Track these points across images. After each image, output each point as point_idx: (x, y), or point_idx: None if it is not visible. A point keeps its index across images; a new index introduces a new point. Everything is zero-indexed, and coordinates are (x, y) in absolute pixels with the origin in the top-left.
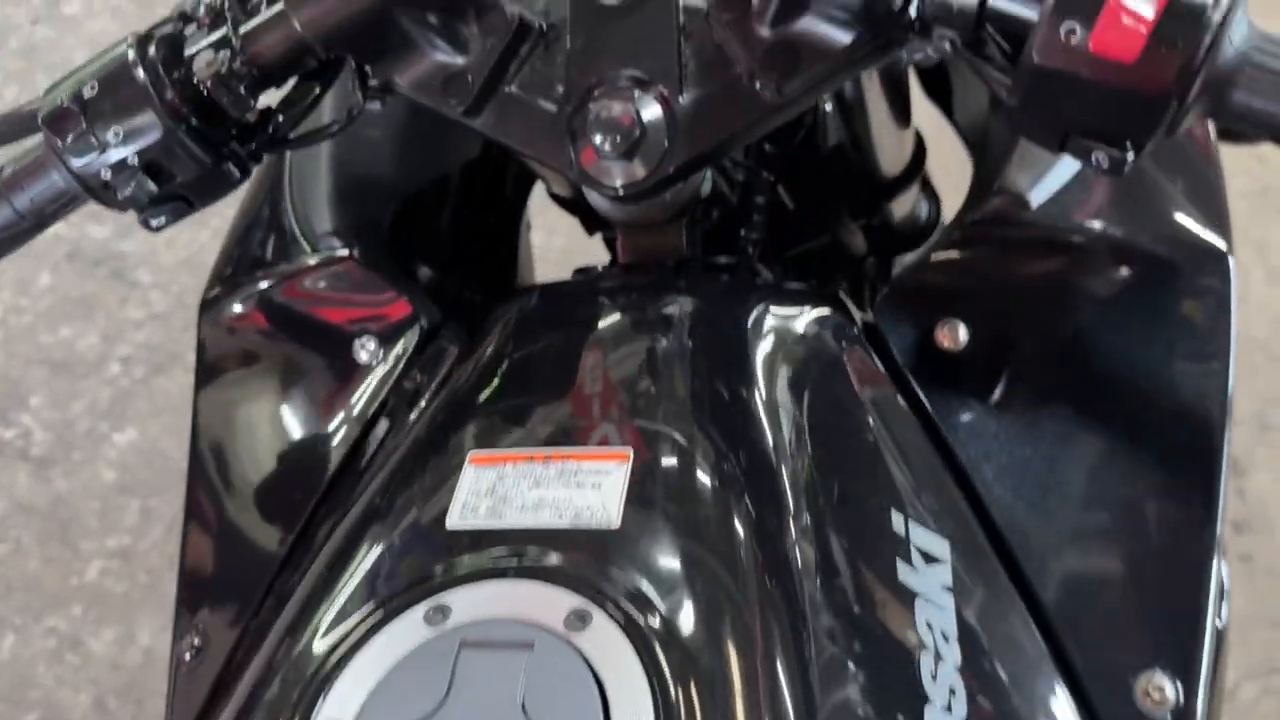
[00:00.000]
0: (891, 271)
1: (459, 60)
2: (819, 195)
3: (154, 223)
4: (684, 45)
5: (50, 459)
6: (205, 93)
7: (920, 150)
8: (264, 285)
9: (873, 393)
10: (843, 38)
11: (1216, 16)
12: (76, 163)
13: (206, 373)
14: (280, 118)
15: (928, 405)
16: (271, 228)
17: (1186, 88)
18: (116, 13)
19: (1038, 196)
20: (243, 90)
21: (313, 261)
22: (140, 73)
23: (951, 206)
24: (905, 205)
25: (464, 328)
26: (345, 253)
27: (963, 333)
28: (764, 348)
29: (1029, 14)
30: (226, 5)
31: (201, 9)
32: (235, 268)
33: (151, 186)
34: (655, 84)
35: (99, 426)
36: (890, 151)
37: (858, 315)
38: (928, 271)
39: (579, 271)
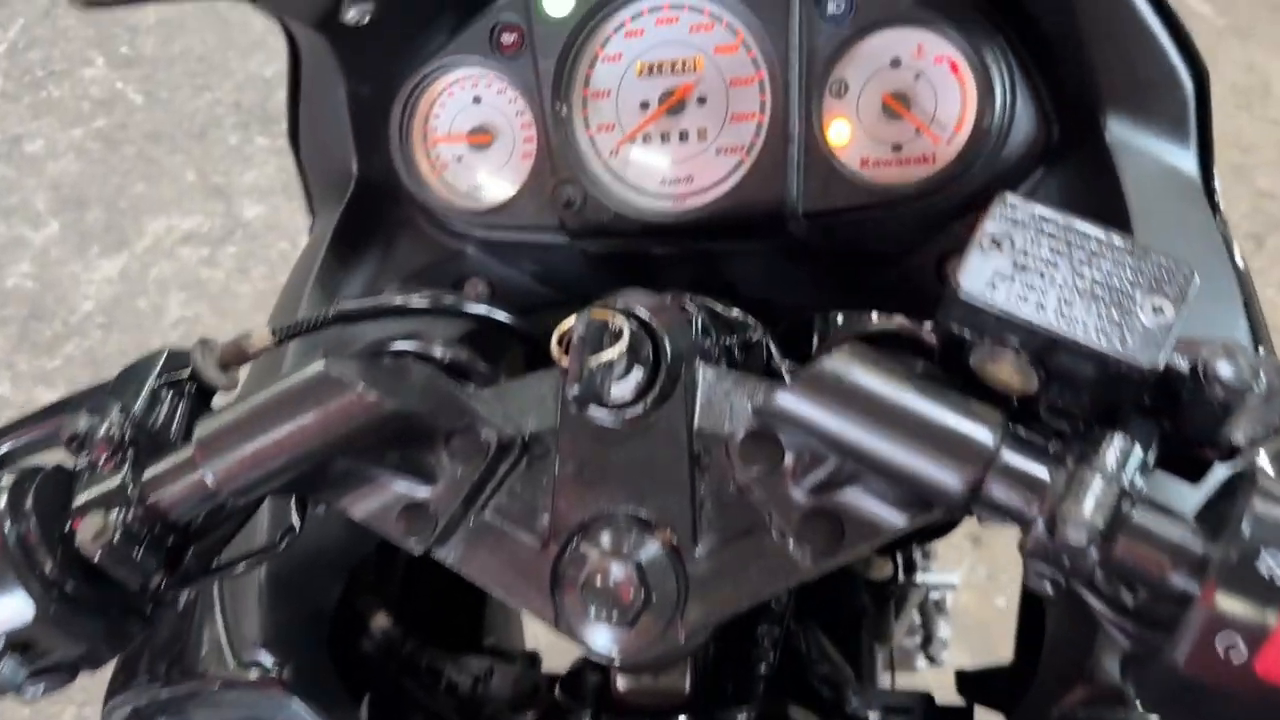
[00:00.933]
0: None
1: (422, 491)
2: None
3: (29, 693)
4: (698, 482)
5: None
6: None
7: None
8: (173, 705)
9: None
10: (895, 520)
11: None
12: None
13: None
14: (192, 550)
15: None
16: (187, 624)
17: None
18: (82, 153)
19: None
20: (140, 554)
21: (236, 678)
22: (9, 533)
23: None
24: None
25: None
26: (274, 672)
27: None
28: None
29: (1176, 584)
30: (128, 435)
31: (100, 433)
32: (142, 672)
33: (22, 670)
34: (662, 528)
35: None
36: None
37: None
38: None
39: (564, 686)
